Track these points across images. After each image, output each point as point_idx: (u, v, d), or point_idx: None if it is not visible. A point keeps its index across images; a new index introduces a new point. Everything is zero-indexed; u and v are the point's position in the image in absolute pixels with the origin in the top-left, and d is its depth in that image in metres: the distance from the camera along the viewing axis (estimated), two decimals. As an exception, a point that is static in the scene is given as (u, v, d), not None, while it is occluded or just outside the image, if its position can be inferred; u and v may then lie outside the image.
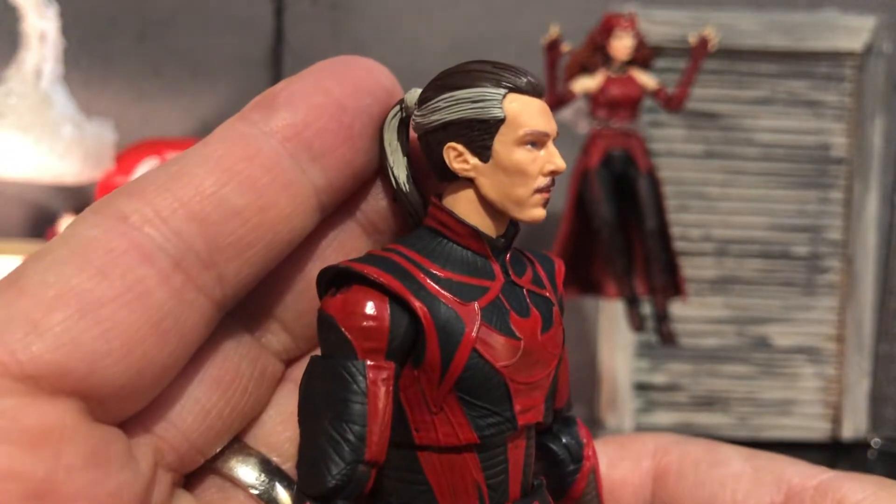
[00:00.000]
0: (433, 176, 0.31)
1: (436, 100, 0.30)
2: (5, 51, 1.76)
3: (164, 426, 0.27)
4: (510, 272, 0.31)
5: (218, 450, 0.29)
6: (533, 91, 0.30)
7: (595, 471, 0.34)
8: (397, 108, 0.31)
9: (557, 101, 1.53)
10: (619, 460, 0.34)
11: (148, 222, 0.25)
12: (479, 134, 0.29)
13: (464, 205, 0.30)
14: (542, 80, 0.31)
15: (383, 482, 0.30)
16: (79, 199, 1.97)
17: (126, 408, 0.26)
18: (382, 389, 0.28)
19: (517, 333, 0.29)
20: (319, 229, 0.30)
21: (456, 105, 0.29)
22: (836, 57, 1.87)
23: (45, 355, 0.23)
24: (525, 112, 0.30)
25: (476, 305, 0.29)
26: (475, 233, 0.30)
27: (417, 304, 0.28)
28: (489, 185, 0.30)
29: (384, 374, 0.28)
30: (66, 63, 1.68)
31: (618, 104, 1.54)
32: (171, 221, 0.25)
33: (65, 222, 1.67)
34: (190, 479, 0.30)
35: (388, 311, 0.28)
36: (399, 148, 0.31)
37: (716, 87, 1.86)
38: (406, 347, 0.28)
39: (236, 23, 2.15)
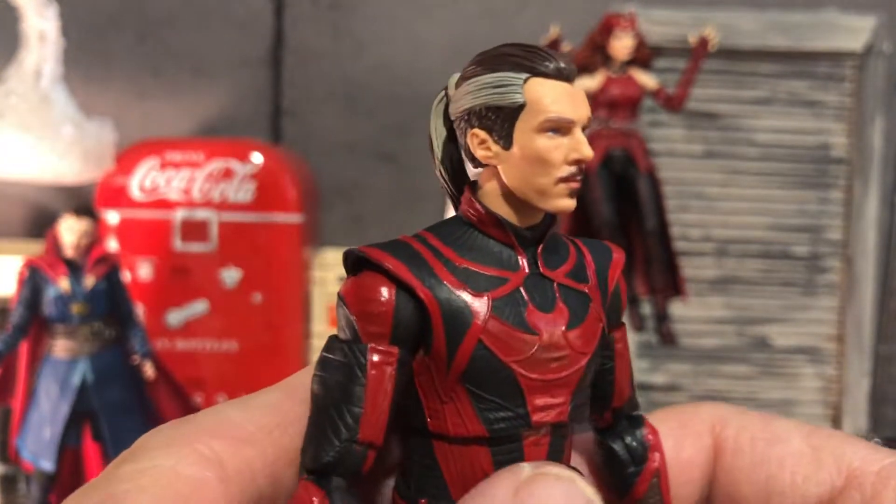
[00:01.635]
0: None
1: (463, 86, 0.29)
2: (5, 51, 1.76)
3: None
4: (540, 264, 0.30)
5: None
6: (559, 75, 0.29)
7: (660, 475, 0.32)
8: (442, 93, 0.31)
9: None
10: (681, 440, 0.33)
11: None
12: (500, 120, 0.29)
13: (492, 193, 0.30)
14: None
15: (408, 466, 0.30)
16: (79, 199, 1.97)
17: None
18: (385, 373, 0.28)
19: (533, 328, 0.29)
20: None
21: (478, 91, 0.29)
22: (836, 57, 1.87)
23: None
24: (547, 97, 0.29)
25: (488, 296, 0.28)
26: (498, 222, 0.29)
27: (423, 291, 0.28)
28: (511, 172, 0.29)
29: (386, 359, 0.28)
30: (66, 63, 1.68)
31: (618, 104, 1.54)
32: None
33: (65, 222, 1.67)
34: None
35: (394, 297, 0.28)
36: (445, 133, 0.31)
37: (716, 87, 1.86)
38: (413, 334, 0.28)
39: (236, 23, 2.15)
